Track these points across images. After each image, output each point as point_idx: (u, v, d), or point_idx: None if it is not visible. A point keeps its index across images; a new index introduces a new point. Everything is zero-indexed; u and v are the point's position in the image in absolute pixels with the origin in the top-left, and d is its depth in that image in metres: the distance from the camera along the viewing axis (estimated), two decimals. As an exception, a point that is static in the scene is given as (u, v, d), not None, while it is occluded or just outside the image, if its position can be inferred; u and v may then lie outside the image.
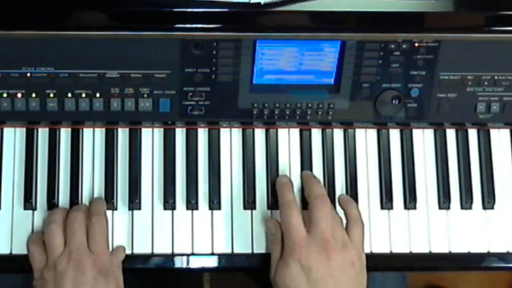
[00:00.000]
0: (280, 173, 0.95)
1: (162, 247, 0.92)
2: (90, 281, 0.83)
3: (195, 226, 0.93)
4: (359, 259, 0.87)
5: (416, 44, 0.88)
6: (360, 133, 0.97)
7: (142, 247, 0.92)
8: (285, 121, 0.93)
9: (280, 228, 0.89)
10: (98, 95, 0.89)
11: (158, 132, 0.94)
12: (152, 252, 0.92)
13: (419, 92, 0.92)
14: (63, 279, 0.82)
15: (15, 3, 0.83)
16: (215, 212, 0.93)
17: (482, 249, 0.96)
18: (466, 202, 0.96)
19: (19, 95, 0.88)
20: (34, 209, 0.91)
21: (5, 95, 0.88)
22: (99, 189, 0.93)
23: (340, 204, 0.92)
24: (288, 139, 0.96)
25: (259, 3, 0.83)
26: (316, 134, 0.96)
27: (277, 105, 0.91)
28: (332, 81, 0.91)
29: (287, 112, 0.92)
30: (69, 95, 0.89)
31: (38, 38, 0.85)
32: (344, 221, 0.90)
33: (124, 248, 0.91)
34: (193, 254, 0.92)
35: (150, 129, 0.94)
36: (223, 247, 0.93)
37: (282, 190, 0.90)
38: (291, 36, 0.87)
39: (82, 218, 0.87)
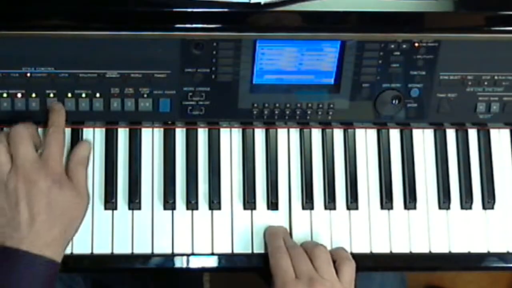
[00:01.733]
0: (280, 173, 0.95)
1: (162, 247, 0.92)
2: (44, 191, 0.81)
3: (195, 226, 0.93)
4: None
5: (416, 44, 0.88)
6: (360, 133, 0.97)
7: (142, 247, 0.92)
8: (285, 121, 0.93)
9: None
10: (98, 95, 0.89)
11: (158, 132, 0.94)
12: (152, 252, 0.92)
13: (419, 92, 0.92)
14: (16, 195, 0.80)
15: (15, 3, 0.83)
16: (215, 212, 0.93)
17: (482, 249, 0.96)
18: (466, 202, 0.96)
19: (19, 95, 0.88)
20: (34, 209, 0.91)
21: (5, 95, 0.88)
22: (99, 189, 0.92)
23: (331, 254, 0.90)
24: (288, 139, 0.96)
25: (259, 3, 0.83)
26: (316, 134, 0.96)
27: (277, 105, 0.91)
28: (332, 81, 0.91)
29: (287, 112, 0.92)
30: (69, 95, 0.89)
31: (38, 38, 0.85)
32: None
33: (86, 143, 0.90)
34: (193, 254, 0.92)
35: (150, 129, 0.94)
36: (223, 247, 0.93)
37: (273, 237, 0.91)
38: (291, 36, 0.87)
39: (24, 131, 0.83)
